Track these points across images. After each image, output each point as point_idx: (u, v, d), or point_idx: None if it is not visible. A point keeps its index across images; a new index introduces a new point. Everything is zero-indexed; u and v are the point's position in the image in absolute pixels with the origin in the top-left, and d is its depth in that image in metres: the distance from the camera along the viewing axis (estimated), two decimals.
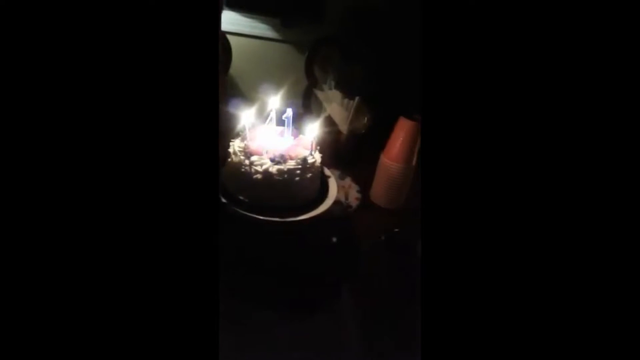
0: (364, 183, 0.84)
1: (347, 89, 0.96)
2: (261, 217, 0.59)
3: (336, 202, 0.68)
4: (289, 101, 0.73)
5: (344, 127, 0.89)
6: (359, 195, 0.82)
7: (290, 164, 0.60)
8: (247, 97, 1.08)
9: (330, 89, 0.98)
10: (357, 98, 0.88)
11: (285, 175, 0.59)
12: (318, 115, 1.01)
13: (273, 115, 0.66)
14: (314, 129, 0.64)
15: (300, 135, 0.68)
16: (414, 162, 0.77)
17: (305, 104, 1.11)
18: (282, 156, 0.60)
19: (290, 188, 0.60)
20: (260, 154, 0.60)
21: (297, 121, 0.69)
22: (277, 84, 0.96)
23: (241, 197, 0.61)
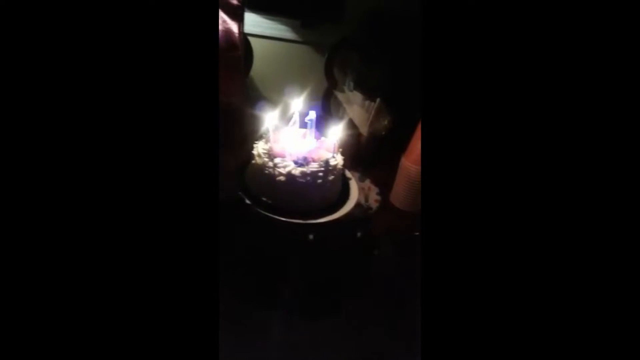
0: (384, 185, 0.84)
1: (366, 90, 0.95)
2: (283, 219, 0.60)
3: (356, 204, 0.68)
4: (308, 102, 0.73)
5: (364, 129, 0.89)
6: (378, 197, 0.82)
7: (313, 167, 0.60)
8: (268, 99, 1.10)
9: (350, 90, 0.98)
10: (378, 100, 0.87)
11: (308, 178, 0.60)
12: (337, 117, 1.02)
13: (296, 117, 0.67)
14: (336, 131, 0.64)
15: (322, 138, 0.68)
16: None
17: (325, 105, 1.12)
18: (305, 159, 0.61)
19: (312, 190, 0.61)
20: (283, 157, 0.61)
21: (317, 123, 0.70)
22: (297, 86, 0.96)
23: (264, 199, 0.62)
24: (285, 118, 0.68)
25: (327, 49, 1.12)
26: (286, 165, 0.60)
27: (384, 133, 0.91)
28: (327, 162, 0.62)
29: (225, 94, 0.85)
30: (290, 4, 1.17)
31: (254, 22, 1.13)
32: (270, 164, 0.60)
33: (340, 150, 0.67)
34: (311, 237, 0.66)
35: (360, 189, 0.80)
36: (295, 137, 0.66)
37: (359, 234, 0.71)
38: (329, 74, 1.12)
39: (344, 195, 0.68)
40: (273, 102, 1.09)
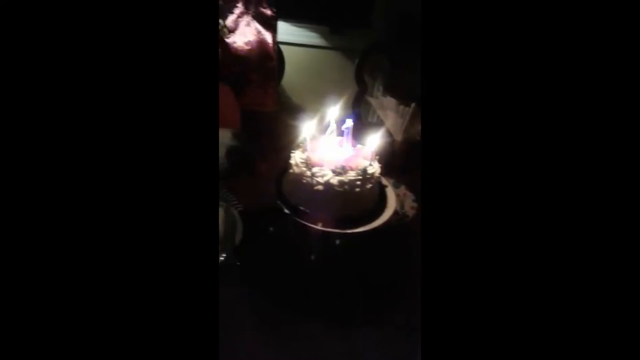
0: (420, 191, 0.82)
1: (398, 95, 0.94)
2: (321, 228, 0.59)
3: (393, 212, 0.66)
4: (344, 110, 0.73)
5: (398, 135, 0.87)
6: (414, 205, 0.79)
7: (351, 175, 0.60)
8: (299, 106, 1.10)
9: (382, 95, 0.97)
10: (413, 105, 0.86)
11: (346, 187, 0.59)
12: (368, 122, 1.01)
13: (333, 125, 0.67)
14: (374, 139, 0.63)
15: (358, 145, 0.67)
16: None
17: (356, 111, 1.11)
18: (342, 167, 0.60)
19: (350, 199, 0.60)
20: (321, 166, 0.61)
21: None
22: (328, 92, 0.96)
23: (302, 208, 0.62)
24: (322, 126, 0.68)
25: (358, 54, 1.11)
26: (324, 175, 0.59)
27: (418, 138, 0.88)
28: (364, 170, 0.61)
29: (259, 104, 0.86)
30: (320, 10, 1.18)
31: (284, 30, 1.15)
32: (308, 173, 0.60)
33: (377, 157, 0.66)
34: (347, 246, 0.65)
35: (396, 196, 0.78)
36: (332, 145, 0.66)
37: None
38: (359, 79, 1.11)
39: (382, 203, 0.67)
40: (304, 109, 1.10)
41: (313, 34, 1.18)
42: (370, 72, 1.12)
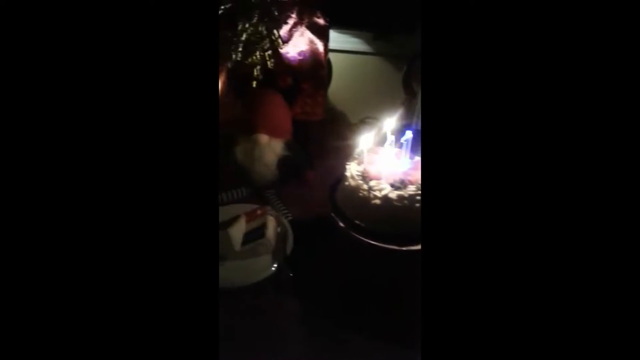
0: None
1: None
2: (379, 244, 0.57)
3: None
4: (386, 116, 0.70)
5: None
6: None
7: (411, 190, 0.57)
8: (346, 114, 1.09)
9: None
10: None
11: (405, 202, 0.57)
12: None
13: (391, 137, 0.65)
14: None
15: (416, 157, 0.65)
16: None
17: (416, 122, 1.08)
18: (402, 181, 0.58)
19: (410, 215, 0.58)
20: (379, 179, 0.59)
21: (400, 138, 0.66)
22: (375, 100, 0.94)
23: (358, 222, 0.60)
24: (378, 138, 0.66)
25: (405, 61, 1.08)
26: (382, 188, 0.58)
27: None
28: None
29: (309, 113, 0.86)
30: (366, 16, 1.17)
31: (330, 37, 1.14)
32: (365, 186, 0.58)
33: None
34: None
35: None
36: (389, 158, 0.64)
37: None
38: (407, 86, 1.08)
39: None
40: (351, 117, 1.09)
41: (358, 40, 1.16)
42: (418, 78, 1.09)
